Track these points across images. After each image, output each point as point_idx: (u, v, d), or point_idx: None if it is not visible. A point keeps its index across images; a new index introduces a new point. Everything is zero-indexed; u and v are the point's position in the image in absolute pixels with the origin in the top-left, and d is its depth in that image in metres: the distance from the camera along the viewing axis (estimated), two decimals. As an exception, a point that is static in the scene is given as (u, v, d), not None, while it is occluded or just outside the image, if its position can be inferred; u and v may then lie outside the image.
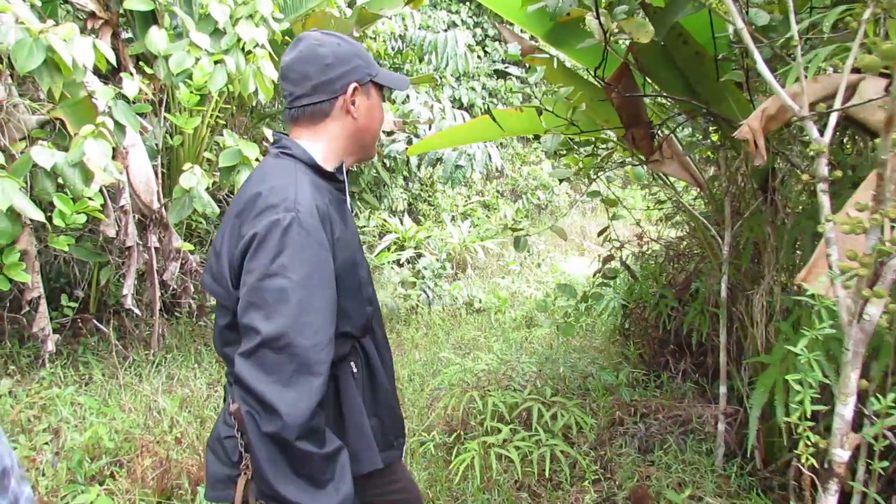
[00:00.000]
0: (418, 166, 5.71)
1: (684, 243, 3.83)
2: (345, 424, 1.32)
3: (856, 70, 1.32)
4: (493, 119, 3.11)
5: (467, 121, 6.00)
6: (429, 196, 9.20)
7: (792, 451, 2.38)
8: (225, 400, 1.41)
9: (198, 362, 3.96)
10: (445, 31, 8.07)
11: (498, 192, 10.06)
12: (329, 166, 1.31)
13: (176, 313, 4.46)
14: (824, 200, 1.21)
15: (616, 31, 1.91)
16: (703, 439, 2.94)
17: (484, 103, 9.62)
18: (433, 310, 5.54)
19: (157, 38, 3.35)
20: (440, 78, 8.53)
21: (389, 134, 5.39)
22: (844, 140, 2.58)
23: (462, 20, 9.69)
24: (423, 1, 2.15)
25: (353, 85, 1.29)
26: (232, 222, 1.22)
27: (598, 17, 1.92)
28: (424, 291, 5.57)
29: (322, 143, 1.30)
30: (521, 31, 3.11)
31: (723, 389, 2.87)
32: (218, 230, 1.33)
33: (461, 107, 9.10)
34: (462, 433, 3.06)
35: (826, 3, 2.27)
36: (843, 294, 1.08)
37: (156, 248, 3.63)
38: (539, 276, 7.12)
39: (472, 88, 9.13)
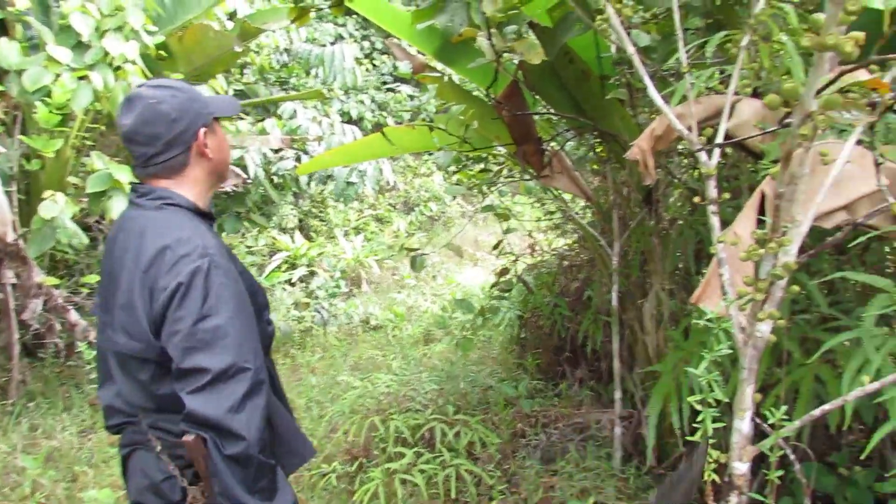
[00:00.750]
0: (308, 183, 5.56)
1: (576, 253, 3.95)
2: (276, 430, 1.41)
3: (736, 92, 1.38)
4: (386, 137, 3.07)
5: (357, 136, 5.93)
6: (320, 212, 9.01)
7: (683, 448, 2.51)
8: (130, 457, 1.41)
9: (67, 409, 3.60)
10: (332, 44, 7.95)
11: (391, 205, 10.01)
12: (203, 207, 1.39)
13: (40, 355, 4.03)
14: (715, 222, 1.26)
15: (507, 51, 1.92)
16: (601, 444, 3.02)
17: (374, 116, 9.55)
18: (329, 330, 5.40)
19: (7, 51, 3.04)
20: (328, 91, 8.39)
21: (277, 151, 5.22)
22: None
23: (349, 33, 9.58)
24: (309, 18, 2.09)
25: (203, 130, 1.35)
26: (141, 277, 1.26)
27: (489, 38, 1.92)
28: (319, 312, 5.42)
29: (188, 188, 1.36)
30: (410, 46, 3.08)
31: (617, 394, 2.97)
32: (115, 285, 1.32)
33: (350, 120, 8.99)
34: (364, 461, 2.97)
35: (698, 25, 2.40)
36: (737, 316, 1.12)
37: (13, 285, 3.28)
38: (435, 289, 7.12)
39: (361, 102, 9.04)
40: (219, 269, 1.24)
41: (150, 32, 3.76)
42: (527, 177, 3.15)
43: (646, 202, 2.78)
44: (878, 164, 0.84)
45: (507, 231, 3.60)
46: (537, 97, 2.78)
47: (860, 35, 0.59)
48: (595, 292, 3.34)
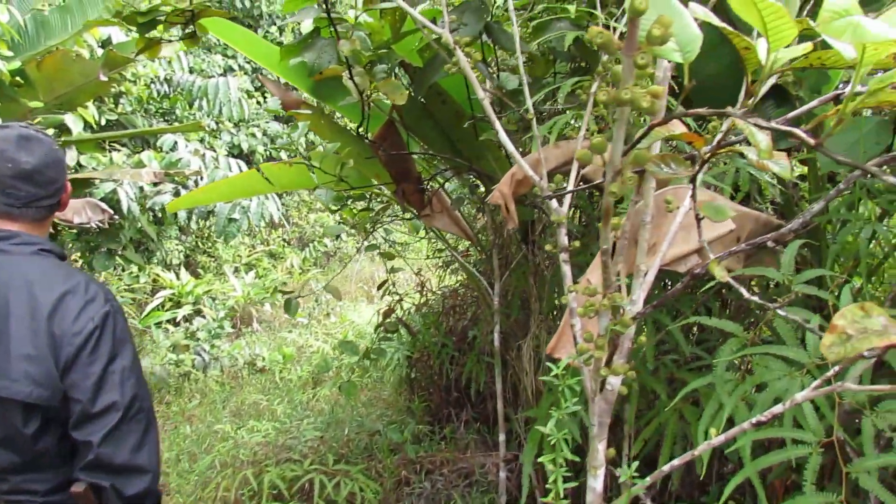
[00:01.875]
0: (188, 219, 5.27)
1: (462, 292, 3.92)
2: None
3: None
4: (261, 174, 2.94)
5: (243, 170, 5.70)
6: (209, 248, 8.61)
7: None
8: None
9: None
10: (221, 75, 7.69)
11: (284, 240, 9.72)
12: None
13: None
14: (566, 270, 1.23)
15: (373, 90, 1.87)
16: (486, 490, 2.95)
17: (266, 150, 9.29)
18: (210, 374, 5.09)
19: None
20: (217, 124, 8.09)
21: (156, 185, 4.92)
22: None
23: (239, 65, 9.34)
24: (159, 50, 1.96)
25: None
26: (45, 325, 1.26)
27: (351, 78, 1.86)
28: (199, 354, 5.10)
29: (44, 234, 1.41)
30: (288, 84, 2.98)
31: (502, 437, 2.92)
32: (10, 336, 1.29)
33: (241, 154, 8.70)
34: (235, 520, 2.76)
35: (568, 70, 2.45)
36: (585, 369, 1.09)
37: None
38: (328, 328, 6.91)
39: (252, 135, 8.78)
40: (119, 312, 1.33)
41: (4, 58, 3.48)
42: (409, 215, 3.10)
43: (524, 242, 2.79)
44: (698, 219, 0.82)
45: (393, 270, 3.52)
46: (414, 136, 2.74)
47: (659, 89, 0.55)
48: (479, 332, 3.30)
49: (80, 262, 5.56)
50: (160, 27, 1.73)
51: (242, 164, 5.99)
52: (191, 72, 8.08)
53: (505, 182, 1.58)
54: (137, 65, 5.18)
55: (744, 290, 0.78)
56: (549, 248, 1.24)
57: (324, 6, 1.50)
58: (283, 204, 9.57)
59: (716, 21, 0.60)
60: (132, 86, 5.09)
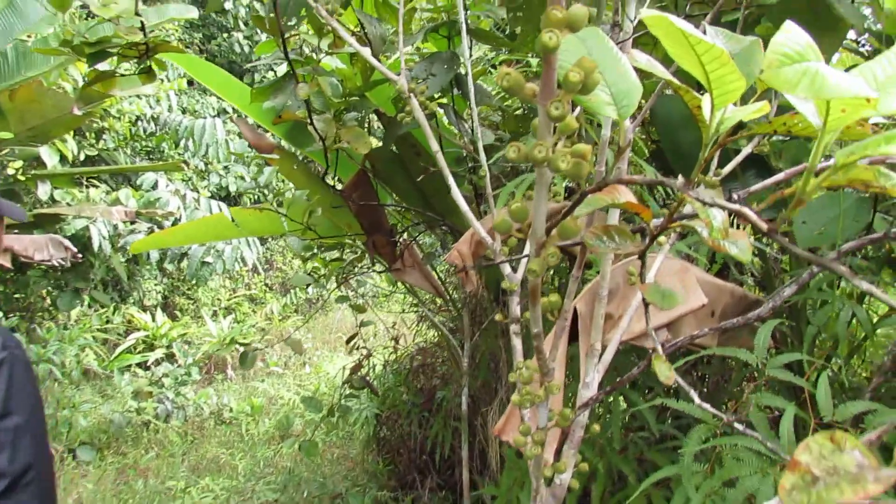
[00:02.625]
0: (161, 261, 5.13)
1: (434, 349, 3.77)
2: None
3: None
4: (230, 218, 2.84)
5: (225, 212, 5.61)
6: (187, 289, 8.43)
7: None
8: None
9: None
10: (215, 116, 7.66)
11: (266, 284, 9.56)
12: None
13: None
14: (516, 344, 1.11)
15: (336, 138, 1.78)
16: (448, 566, 2.76)
17: (255, 192, 9.22)
18: (172, 424, 4.86)
19: None
20: (206, 165, 8.04)
21: (132, 223, 4.81)
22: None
23: (233, 107, 9.35)
24: (114, 83, 1.88)
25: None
26: None
27: (311, 124, 1.77)
28: (163, 402, 4.89)
29: None
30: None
31: (467, 509, 2.74)
32: None
33: (228, 196, 8.62)
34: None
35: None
36: (531, 462, 0.96)
37: None
38: (302, 378, 6.70)
39: (241, 177, 8.72)
40: (19, 363, 1.19)
41: (-23, 87, 3.40)
42: (381, 268, 2.99)
43: (496, 301, 2.67)
44: (645, 305, 0.71)
45: (363, 324, 3.39)
46: (386, 187, 2.65)
47: (584, 148, 0.45)
48: (449, 393, 3.15)
49: (47, 300, 5.40)
50: (113, 60, 1.65)
51: (224, 206, 5.89)
52: (183, 112, 8.07)
53: (464, 241, 1.47)
54: (123, 101, 5.13)
55: (694, 394, 0.67)
56: (499, 317, 1.12)
57: (281, 46, 1.42)
58: (266, 248, 9.45)
59: (660, 70, 0.50)
60: (115, 122, 5.02)
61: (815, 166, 0.42)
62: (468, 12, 2.08)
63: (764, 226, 0.44)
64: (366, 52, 1.20)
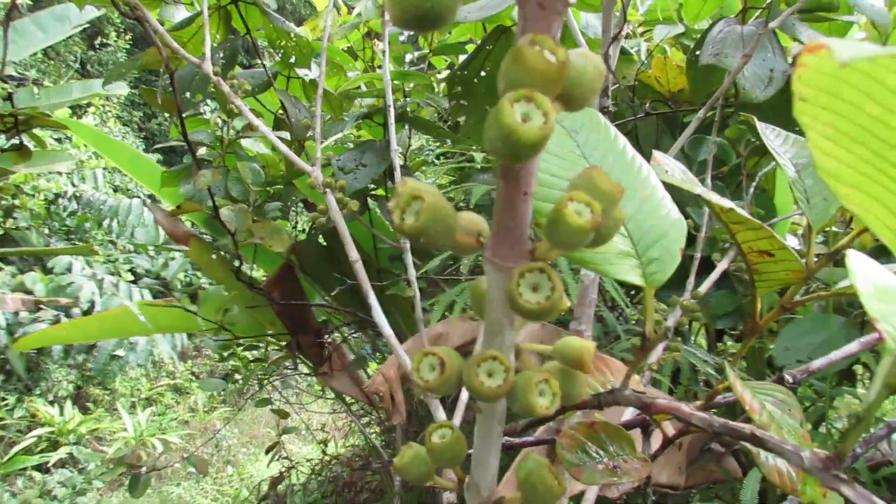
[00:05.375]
0: (64, 355, 4.65)
1: (368, 458, 3.42)
2: None
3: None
4: (136, 313, 2.52)
5: (146, 299, 5.20)
6: (104, 378, 7.78)
7: None
8: None
9: None
10: (151, 196, 7.31)
11: (193, 373, 8.94)
12: None
13: None
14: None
15: (247, 233, 1.54)
16: None
17: (186, 277, 8.76)
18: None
19: None
20: (134, 248, 7.60)
21: (37, 310, 4.36)
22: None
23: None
24: (28, 157, 1.62)
25: None
26: None
27: (216, 216, 1.53)
28: (54, 515, 4.30)
29: None
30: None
31: None
32: None
33: (157, 278, 8.13)
34: None
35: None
36: None
37: None
38: (222, 482, 6.13)
39: (173, 258, 8.29)
40: None
41: None
42: (306, 370, 2.69)
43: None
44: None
45: (286, 431, 3.03)
46: (314, 284, 2.40)
47: (585, 348, 0.21)
48: (380, 513, 2.80)
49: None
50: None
51: (147, 293, 5.49)
52: (115, 190, 7.70)
53: (391, 364, 1.22)
54: (40, 178, 4.79)
55: None
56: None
57: (179, 126, 1.20)
58: (192, 335, 8.90)
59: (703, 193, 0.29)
60: (29, 199, 4.65)
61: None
62: (408, 99, 1.92)
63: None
64: (273, 135, 0.98)
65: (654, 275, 0.26)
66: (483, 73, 1.37)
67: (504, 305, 0.23)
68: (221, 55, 1.39)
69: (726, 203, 0.22)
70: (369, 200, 2.09)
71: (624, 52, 1.63)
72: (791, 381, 0.38)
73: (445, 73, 2.39)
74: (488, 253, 0.22)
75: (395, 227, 0.21)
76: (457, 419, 1.00)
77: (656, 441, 0.53)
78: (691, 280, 0.98)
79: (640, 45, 1.65)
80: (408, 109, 1.81)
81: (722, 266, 1.07)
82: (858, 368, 1.89)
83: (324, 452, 3.55)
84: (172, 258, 5.94)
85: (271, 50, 1.84)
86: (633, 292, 2.18)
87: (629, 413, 0.88)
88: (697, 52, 1.22)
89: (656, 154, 0.33)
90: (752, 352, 1.73)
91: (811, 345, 1.20)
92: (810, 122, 0.17)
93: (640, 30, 1.91)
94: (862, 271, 0.21)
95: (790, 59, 1.12)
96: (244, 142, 2.00)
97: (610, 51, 1.03)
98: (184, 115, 1.28)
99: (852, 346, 0.43)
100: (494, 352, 0.23)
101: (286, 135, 1.55)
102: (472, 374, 0.23)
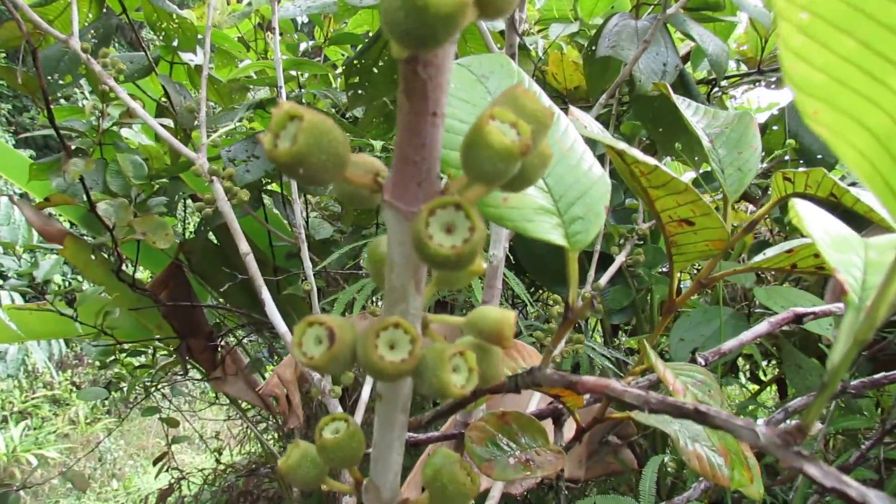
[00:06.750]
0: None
1: (265, 465, 3.29)
2: None
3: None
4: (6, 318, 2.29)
5: (17, 303, 4.78)
6: (-31, 391, 7.11)
7: None
8: None
9: None
10: (22, 195, 6.74)
11: (73, 383, 8.34)
12: None
13: None
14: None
15: (127, 229, 1.42)
16: None
17: (65, 279, 8.14)
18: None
19: None
20: (2, 248, 6.97)
21: None
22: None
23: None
24: None
25: None
26: None
27: (91, 209, 1.40)
28: None
29: None
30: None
31: None
32: None
33: (32, 282, 7.50)
34: None
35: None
36: None
37: None
38: (107, 496, 5.75)
39: (46, 257, 7.67)
40: None
41: None
42: (197, 375, 2.55)
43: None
44: None
45: (175, 441, 2.87)
46: (205, 284, 2.27)
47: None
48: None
49: None
50: None
51: (18, 297, 5.04)
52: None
53: (287, 364, 1.16)
54: None
55: None
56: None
57: (45, 110, 1.07)
58: (74, 342, 8.31)
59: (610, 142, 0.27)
60: None
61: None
62: (303, 90, 1.84)
63: None
64: (154, 121, 0.90)
65: (578, 234, 0.24)
66: (381, 63, 1.33)
67: (408, 262, 0.19)
68: (93, 35, 1.28)
69: (650, 161, 0.21)
70: (264, 196, 2.00)
71: (522, 47, 1.64)
72: (703, 363, 0.38)
73: (342, 69, 2.33)
74: (388, 195, 0.19)
75: (267, 153, 0.17)
76: (357, 418, 0.96)
77: (568, 432, 0.51)
78: (591, 273, 0.98)
79: (538, 41, 1.67)
80: (303, 101, 1.74)
81: (620, 260, 1.09)
82: (740, 361, 2.00)
83: (217, 461, 3.38)
84: (46, 257, 5.49)
85: (154, 35, 1.71)
86: (532, 289, 2.20)
87: (535, 404, 0.87)
88: (594, 48, 1.24)
89: (573, 109, 0.31)
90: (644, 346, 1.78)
91: (703, 335, 1.24)
92: (784, 7, 0.15)
93: (536, 28, 1.93)
94: (813, 218, 0.20)
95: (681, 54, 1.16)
96: (125, 133, 1.86)
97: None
98: (58, 104, 1.16)
99: (761, 327, 0.43)
100: (397, 318, 0.19)
101: (170, 122, 1.45)
102: (369, 347, 0.19)
